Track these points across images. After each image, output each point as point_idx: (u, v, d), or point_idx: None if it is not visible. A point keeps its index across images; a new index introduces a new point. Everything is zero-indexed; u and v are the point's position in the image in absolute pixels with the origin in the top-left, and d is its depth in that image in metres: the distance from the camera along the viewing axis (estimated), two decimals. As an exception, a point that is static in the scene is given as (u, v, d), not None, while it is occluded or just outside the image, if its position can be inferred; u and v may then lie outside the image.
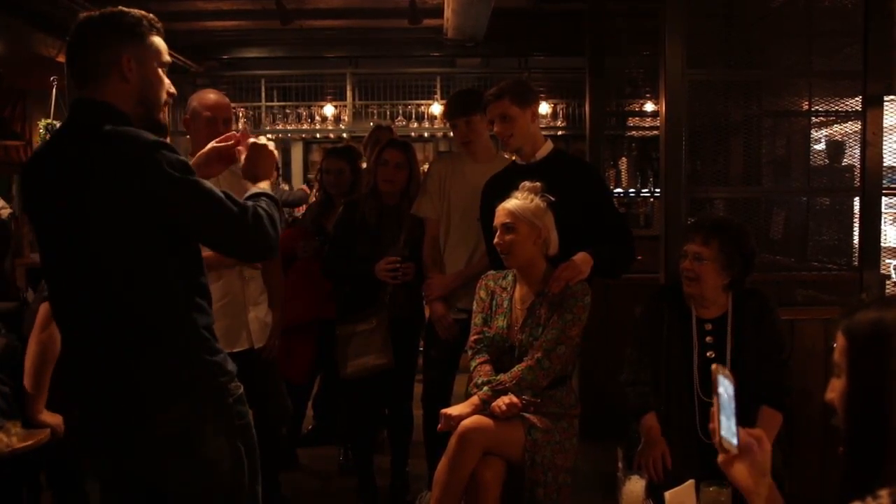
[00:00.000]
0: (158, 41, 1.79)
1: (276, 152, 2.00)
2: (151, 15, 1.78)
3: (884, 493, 1.08)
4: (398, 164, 3.29)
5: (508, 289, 2.65)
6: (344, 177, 3.81)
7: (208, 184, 1.71)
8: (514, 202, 2.56)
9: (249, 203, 1.75)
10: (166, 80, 1.82)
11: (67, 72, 1.77)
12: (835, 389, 1.22)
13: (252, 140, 1.95)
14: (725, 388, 1.39)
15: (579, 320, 2.51)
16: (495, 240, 2.58)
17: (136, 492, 1.78)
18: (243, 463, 1.79)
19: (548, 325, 2.51)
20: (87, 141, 1.66)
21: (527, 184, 2.60)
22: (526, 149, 2.91)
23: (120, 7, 1.76)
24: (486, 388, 2.49)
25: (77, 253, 1.68)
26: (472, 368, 2.65)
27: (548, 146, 2.94)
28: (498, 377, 2.51)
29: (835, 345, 1.23)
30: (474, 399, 2.50)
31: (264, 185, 1.89)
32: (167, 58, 1.82)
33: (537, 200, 2.57)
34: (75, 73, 1.74)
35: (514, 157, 3.05)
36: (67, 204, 1.66)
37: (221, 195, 1.70)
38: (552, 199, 2.58)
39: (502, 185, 2.85)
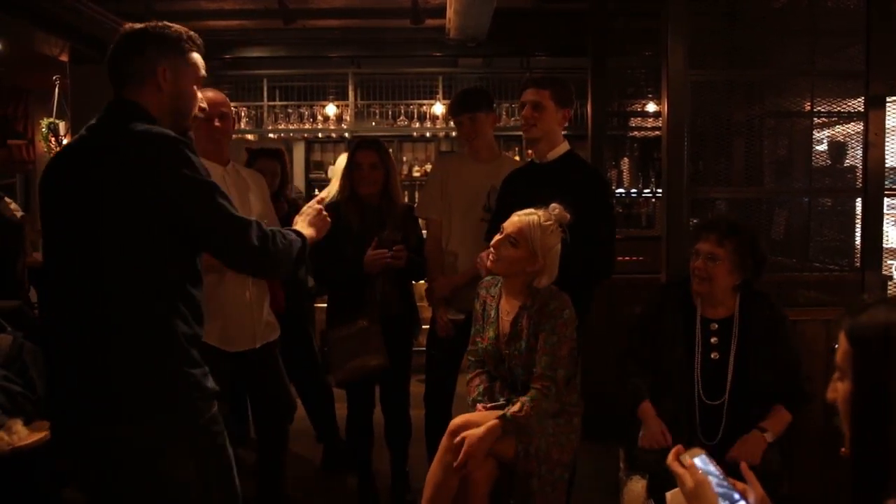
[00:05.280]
0: (197, 58, 1.88)
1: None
2: (193, 33, 1.88)
3: (891, 502, 1.04)
4: (372, 165, 3.23)
5: (496, 297, 2.64)
6: (276, 178, 3.80)
7: (223, 191, 1.76)
8: (534, 219, 2.49)
9: (269, 229, 1.82)
10: (199, 95, 1.91)
11: (110, 79, 1.84)
12: (837, 391, 1.19)
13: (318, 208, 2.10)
14: (704, 464, 1.35)
15: (565, 338, 2.46)
16: (493, 240, 2.57)
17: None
18: (211, 491, 1.74)
19: (538, 349, 2.47)
20: (113, 136, 1.71)
21: (557, 207, 2.53)
22: (543, 145, 2.92)
23: (165, 22, 1.84)
24: (508, 413, 2.41)
25: (81, 249, 1.68)
26: (467, 384, 2.66)
27: (563, 147, 2.94)
28: (516, 401, 2.45)
29: (836, 346, 1.20)
30: (493, 424, 2.41)
31: (307, 231, 1.98)
32: (203, 73, 1.91)
33: (556, 231, 2.50)
34: (114, 79, 1.82)
35: (528, 154, 3.06)
36: (85, 198, 1.68)
37: (230, 205, 1.75)
38: (567, 238, 2.54)
39: (520, 182, 2.87)
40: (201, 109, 2.76)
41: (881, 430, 1.08)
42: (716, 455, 2.44)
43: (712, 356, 2.55)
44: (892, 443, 1.07)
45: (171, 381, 1.69)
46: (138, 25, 1.83)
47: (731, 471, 2.28)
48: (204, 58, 1.91)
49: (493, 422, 2.40)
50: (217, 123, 2.75)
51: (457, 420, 2.49)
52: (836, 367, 1.19)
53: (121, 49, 1.82)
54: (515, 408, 2.42)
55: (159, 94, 1.81)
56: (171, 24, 1.85)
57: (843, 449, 1.18)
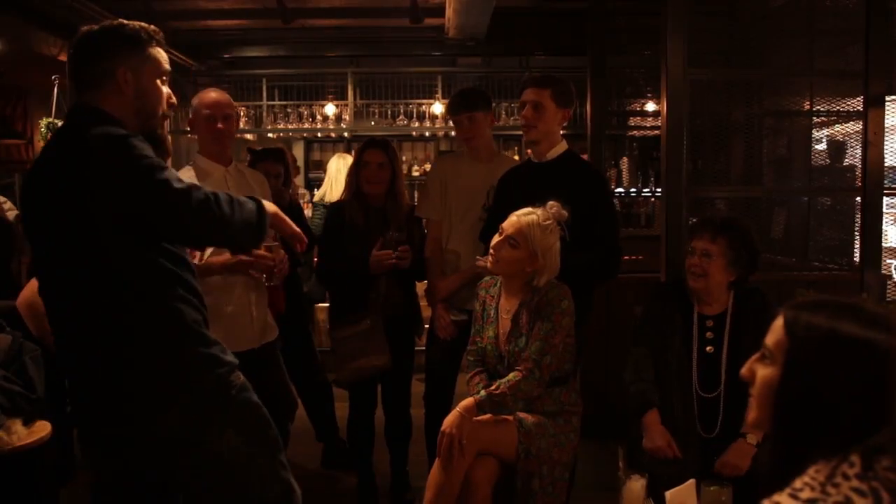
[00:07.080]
0: (157, 52, 1.82)
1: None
2: (152, 26, 1.81)
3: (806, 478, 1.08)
4: (380, 164, 3.23)
5: (496, 297, 2.63)
6: (279, 180, 3.76)
7: (165, 167, 1.69)
8: (533, 219, 2.49)
9: (211, 192, 1.72)
10: (166, 91, 1.84)
11: (69, 83, 1.81)
12: (755, 371, 1.20)
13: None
14: None
15: (560, 327, 2.45)
16: (493, 241, 2.57)
17: (138, 488, 1.78)
18: (257, 450, 1.80)
19: (531, 336, 2.47)
20: (73, 143, 1.68)
21: (555, 205, 2.53)
22: (542, 146, 2.92)
23: (120, 20, 1.80)
24: (482, 392, 2.42)
25: (62, 253, 1.69)
26: (467, 383, 2.65)
27: (562, 146, 2.94)
28: (494, 383, 2.46)
29: (772, 333, 1.19)
30: (467, 403, 2.41)
31: (268, 204, 1.89)
32: (167, 68, 1.84)
33: (555, 229, 2.50)
34: (75, 84, 1.78)
35: (528, 153, 3.06)
36: (55, 203, 1.66)
37: (173, 179, 1.65)
38: (566, 236, 2.54)
39: (518, 182, 2.87)
40: (207, 110, 2.77)
41: (801, 422, 1.12)
42: (714, 449, 2.47)
43: (707, 349, 2.58)
44: (808, 434, 1.11)
45: (191, 363, 1.72)
46: (94, 27, 1.78)
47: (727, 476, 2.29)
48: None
49: (467, 400, 2.40)
50: (220, 125, 2.75)
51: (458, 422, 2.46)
52: (763, 347, 1.20)
53: (78, 53, 1.77)
54: (492, 387, 2.42)
55: (121, 96, 1.76)
56: (127, 22, 1.79)
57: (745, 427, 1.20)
